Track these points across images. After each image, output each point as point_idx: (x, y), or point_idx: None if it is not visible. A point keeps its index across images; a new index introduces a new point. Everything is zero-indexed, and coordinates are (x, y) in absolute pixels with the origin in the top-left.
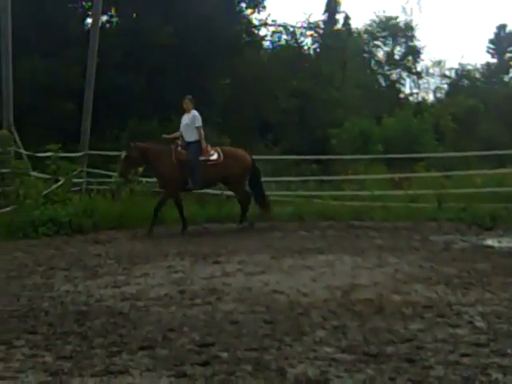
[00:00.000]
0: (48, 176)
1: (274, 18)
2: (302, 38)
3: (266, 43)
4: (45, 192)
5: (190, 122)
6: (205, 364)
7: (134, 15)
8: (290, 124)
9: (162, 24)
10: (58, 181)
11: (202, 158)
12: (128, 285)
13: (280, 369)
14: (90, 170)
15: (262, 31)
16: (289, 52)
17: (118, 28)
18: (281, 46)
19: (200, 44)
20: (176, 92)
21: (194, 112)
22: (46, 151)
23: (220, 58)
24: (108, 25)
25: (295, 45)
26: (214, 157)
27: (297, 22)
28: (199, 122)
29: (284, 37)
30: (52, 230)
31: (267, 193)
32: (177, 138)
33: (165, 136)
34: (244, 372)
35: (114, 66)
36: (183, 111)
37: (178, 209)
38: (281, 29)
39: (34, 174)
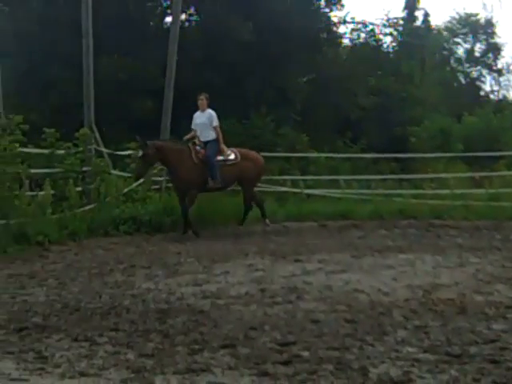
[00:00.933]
0: (128, 174)
1: (352, 16)
2: (380, 36)
3: (345, 41)
4: (125, 190)
5: (207, 120)
6: (286, 363)
7: (213, 13)
8: (368, 122)
9: (241, 21)
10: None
11: (220, 157)
12: (208, 283)
13: (362, 368)
14: None
15: (341, 29)
16: (368, 49)
17: (197, 26)
18: (360, 43)
19: (279, 42)
20: (255, 90)
21: (210, 111)
22: (125, 149)
23: (299, 56)
24: (187, 23)
25: (374, 42)
26: (232, 157)
27: (376, 20)
28: (216, 121)
29: (363, 34)
30: (132, 228)
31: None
32: (193, 138)
33: (186, 138)
34: (326, 371)
35: (193, 64)
36: (196, 108)
37: (185, 211)
38: (360, 26)
39: (114, 172)
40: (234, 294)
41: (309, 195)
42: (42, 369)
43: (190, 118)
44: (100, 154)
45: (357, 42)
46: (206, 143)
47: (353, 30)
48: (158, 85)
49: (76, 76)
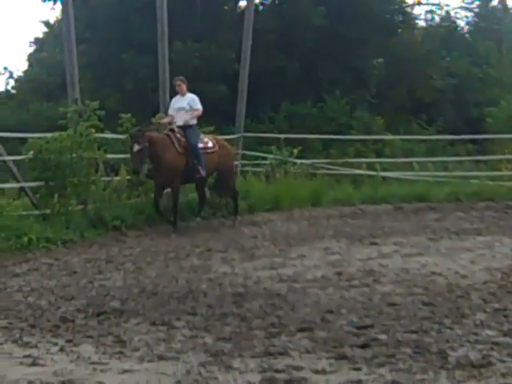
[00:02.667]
0: None
1: None
2: (456, 16)
3: (420, 22)
4: None
5: (187, 105)
6: (364, 346)
7: None
8: (444, 103)
9: (314, 5)
10: None
11: (200, 145)
12: (285, 266)
13: (441, 352)
14: (245, 152)
15: (416, 10)
16: (443, 30)
17: (270, 10)
18: (435, 24)
19: (353, 24)
20: (329, 73)
21: (191, 94)
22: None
23: (373, 38)
24: (261, 6)
25: (449, 23)
26: (210, 144)
27: (451, 1)
28: (199, 105)
29: (438, 15)
30: (208, 212)
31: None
32: (170, 123)
33: (160, 122)
34: (404, 355)
35: (267, 48)
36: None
37: (174, 201)
38: (434, 7)
39: None
40: (310, 278)
41: (384, 178)
42: (121, 352)
43: (265, 103)
44: None
45: (431, 23)
46: (183, 129)
47: (428, 11)
48: (231, 70)
49: (150, 61)
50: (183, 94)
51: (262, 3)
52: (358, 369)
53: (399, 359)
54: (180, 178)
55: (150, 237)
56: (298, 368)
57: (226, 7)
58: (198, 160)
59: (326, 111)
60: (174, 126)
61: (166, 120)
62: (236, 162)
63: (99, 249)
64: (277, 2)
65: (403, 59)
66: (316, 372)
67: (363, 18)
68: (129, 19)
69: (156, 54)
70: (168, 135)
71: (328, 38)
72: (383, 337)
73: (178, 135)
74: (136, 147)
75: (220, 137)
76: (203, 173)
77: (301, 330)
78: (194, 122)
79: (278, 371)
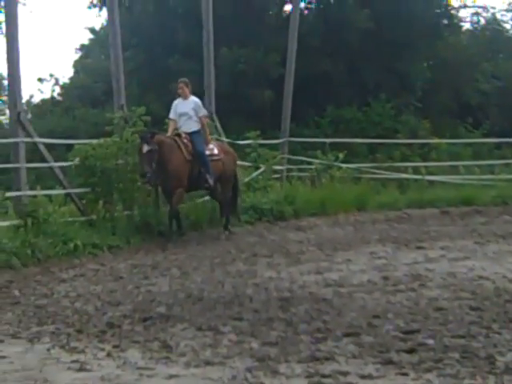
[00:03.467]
0: (249, 163)
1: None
2: (502, 19)
3: (466, 25)
4: (246, 179)
5: (191, 110)
6: (411, 351)
7: (332, 1)
8: (490, 106)
9: (359, 9)
10: (258, 168)
11: (207, 152)
12: (330, 271)
13: (489, 357)
14: (291, 156)
15: (462, 13)
16: (488, 33)
17: (315, 13)
18: (480, 27)
19: (398, 27)
20: (374, 77)
21: (195, 98)
22: (245, 138)
23: (419, 41)
24: (306, 10)
25: (495, 26)
26: (215, 151)
27: (497, 3)
28: (204, 111)
29: (483, 18)
30: (254, 217)
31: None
32: (175, 129)
33: (169, 130)
34: (452, 360)
35: (312, 52)
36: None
37: (175, 208)
38: (480, 10)
39: None
40: (356, 282)
41: (430, 182)
42: (167, 358)
43: (310, 107)
44: None
45: (477, 26)
46: (190, 135)
47: (473, 14)
48: (276, 74)
49: (195, 67)
50: (186, 98)
51: (307, 7)
52: (405, 374)
53: (447, 364)
54: (185, 185)
55: (195, 242)
56: (345, 373)
57: (270, 12)
58: (206, 168)
59: (372, 115)
60: (181, 132)
61: (171, 128)
62: (282, 167)
63: (145, 254)
64: (322, 6)
65: (449, 62)
66: (363, 377)
67: (408, 22)
68: (173, 25)
69: (201, 59)
70: (175, 140)
71: (373, 42)
72: (430, 342)
73: (185, 141)
74: (145, 148)
75: (224, 140)
76: (211, 182)
77: (347, 334)
78: (199, 127)
79: (324, 376)
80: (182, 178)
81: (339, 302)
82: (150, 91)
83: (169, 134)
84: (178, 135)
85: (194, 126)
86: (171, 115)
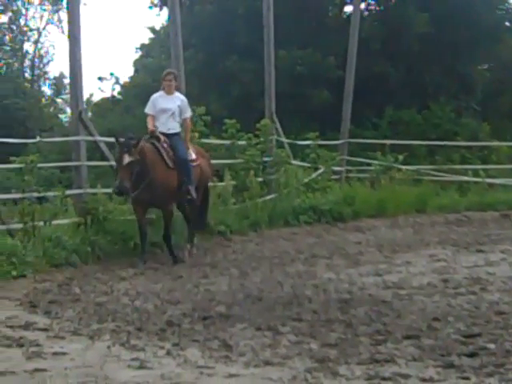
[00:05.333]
0: (308, 164)
1: None
2: None
3: None
4: (305, 180)
5: (177, 108)
6: (472, 355)
7: (392, 2)
8: None
9: (418, 11)
10: (317, 169)
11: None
12: (390, 273)
13: None
14: (350, 157)
15: None
16: None
17: (375, 16)
18: None
19: (458, 30)
20: (434, 79)
21: (181, 96)
22: (304, 139)
23: (479, 44)
24: (366, 12)
25: None
26: (193, 156)
27: None
28: (190, 112)
29: None
30: (312, 217)
31: None
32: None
33: (149, 127)
34: None
35: (371, 53)
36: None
37: (167, 227)
38: None
39: (294, 162)
40: (416, 285)
41: (490, 184)
42: (227, 357)
43: (369, 109)
44: (281, 145)
45: None
46: (167, 137)
47: None
48: (335, 75)
49: (255, 67)
50: (170, 92)
51: (367, 9)
52: (467, 378)
53: (509, 369)
54: (173, 198)
55: (254, 242)
56: (405, 376)
57: (330, 14)
58: (188, 178)
59: (431, 117)
60: (158, 133)
61: (150, 125)
62: (341, 168)
63: (204, 254)
64: (382, 8)
65: (510, 65)
66: (423, 380)
67: (469, 24)
68: (233, 25)
69: (259, 59)
70: (153, 144)
71: (433, 44)
72: (492, 346)
73: (165, 145)
74: (126, 159)
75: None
76: (194, 194)
77: (407, 337)
78: (179, 129)
79: (384, 379)
80: (170, 190)
81: (399, 305)
82: (209, 91)
83: (150, 128)
84: (157, 138)
85: (174, 127)
86: (149, 109)
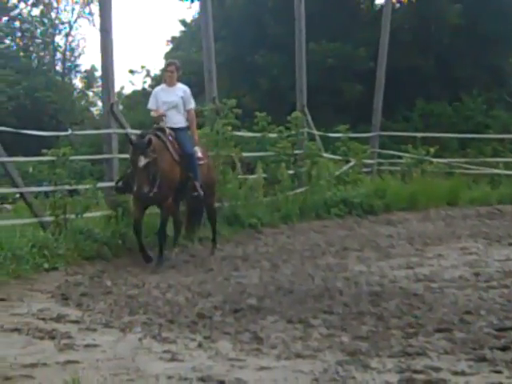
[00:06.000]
0: (339, 157)
1: None
2: None
3: None
4: (336, 173)
5: (179, 99)
6: (504, 349)
7: None
8: None
9: (450, 2)
10: (348, 162)
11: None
12: (421, 266)
13: None
14: (381, 150)
15: None
16: None
17: (407, 7)
18: None
19: (490, 21)
20: (466, 71)
21: (183, 86)
22: (335, 132)
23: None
24: (398, 4)
25: None
26: (199, 154)
27: None
28: (193, 103)
29: None
30: (344, 210)
31: None
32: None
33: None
34: None
35: (403, 46)
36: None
37: (164, 223)
38: None
39: (325, 155)
40: (447, 278)
41: None
42: (258, 350)
43: (400, 101)
44: (312, 137)
45: None
46: (174, 132)
47: None
48: (366, 68)
49: (285, 60)
50: (172, 84)
51: (398, 1)
52: (499, 371)
53: None
54: (175, 194)
55: (285, 235)
56: (437, 369)
57: (361, 6)
58: (195, 173)
59: (462, 110)
60: (164, 124)
61: (156, 114)
62: (372, 161)
63: (235, 246)
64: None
65: None
66: (455, 373)
67: (501, 15)
68: (263, 18)
69: (289, 52)
70: (158, 136)
71: (464, 36)
72: None
73: (171, 138)
74: (142, 161)
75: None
76: (201, 190)
77: (439, 330)
78: (185, 123)
79: (416, 372)
80: (172, 185)
81: (430, 298)
82: (239, 84)
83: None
84: (162, 130)
85: (180, 121)
86: (151, 104)
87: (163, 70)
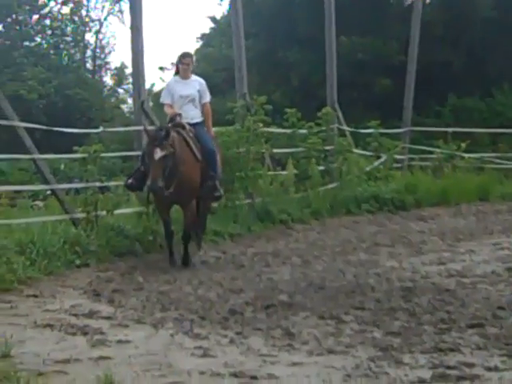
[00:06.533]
0: (370, 153)
1: None
2: None
3: None
4: (367, 169)
5: (196, 92)
6: None
7: None
8: None
9: None
10: (379, 157)
11: None
12: (453, 261)
13: None
14: (412, 146)
15: None
16: None
17: (438, 1)
18: None
19: None
20: (498, 66)
21: (199, 78)
22: (366, 128)
23: None
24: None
25: None
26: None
27: None
28: (209, 96)
29: None
30: (374, 206)
31: None
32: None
33: (170, 115)
34: None
35: (433, 40)
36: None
37: (191, 226)
38: None
39: (356, 150)
40: (479, 273)
41: None
42: (290, 345)
43: (431, 96)
44: (342, 133)
45: None
46: (194, 127)
47: None
48: (397, 63)
49: (315, 56)
50: (186, 77)
51: None
52: None
53: None
54: (196, 195)
55: (316, 231)
56: (470, 365)
57: (391, 0)
58: (215, 172)
59: (494, 105)
60: (182, 120)
61: (171, 111)
62: (403, 156)
63: (266, 242)
64: None
65: None
66: (488, 369)
67: None
68: (293, 14)
69: (319, 48)
70: (179, 133)
71: (496, 30)
72: None
73: (191, 134)
74: (158, 154)
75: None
76: (222, 190)
77: (471, 326)
78: (202, 117)
79: (449, 367)
80: (195, 186)
81: (463, 293)
82: (269, 81)
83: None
84: (182, 126)
85: (197, 116)
86: (165, 99)
87: (178, 62)
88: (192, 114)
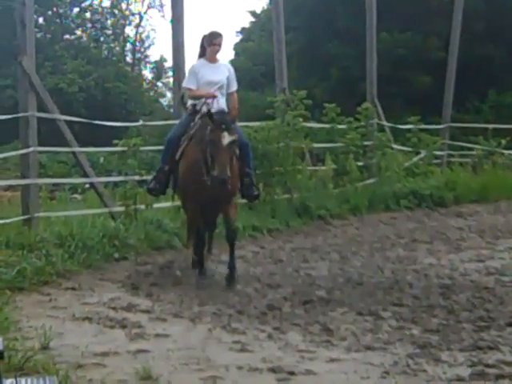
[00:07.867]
0: (409, 149)
1: None
2: None
3: None
4: (406, 164)
5: (225, 80)
6: None
7: None
8: None
9: None
10: (418, 153)
11: None
12: (492, 259)
13: None
14: (451, 142)
15: None
16: None
17: None
18: None
19: None
20: None
21: (227, 64)
22: (406, 123)
23: None
24: None
25: None
26: None
27: None
28: (236, 84)
29: None
30: (413, 202)
31: None
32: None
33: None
34: None
35: (474, 35)
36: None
37: (233, 228)
38: None
39: (395, 146)
40: None
41: None
42: (328, 341)
43: (471, 92)
44: (381, 129)
45: None
46: None
47: None
48: (437, 58)
49: (355, 51)
50: (214, 60)
51: None
52: None
53: None
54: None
55: (354, 226)
56: (509, 363)
57: None
58: (251, 168)
59: None
60: (212, 111)
61: (204, 92)
62: (442, 153)
63: (304, 238)
64: None
65: None
66: None
67: None
68: (333, 8)
69: (359, 43)
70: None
71: None
72: None
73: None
74: (227, 138)
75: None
76: (260, 189)
77: (510, 324)
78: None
79: (488, 366)
80: (237, 181)
81: (502, 291)
82: (309, 75)
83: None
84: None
85: (225, 105)
86: (190, 83)
87: (205, 43)
88: (221, 103)
